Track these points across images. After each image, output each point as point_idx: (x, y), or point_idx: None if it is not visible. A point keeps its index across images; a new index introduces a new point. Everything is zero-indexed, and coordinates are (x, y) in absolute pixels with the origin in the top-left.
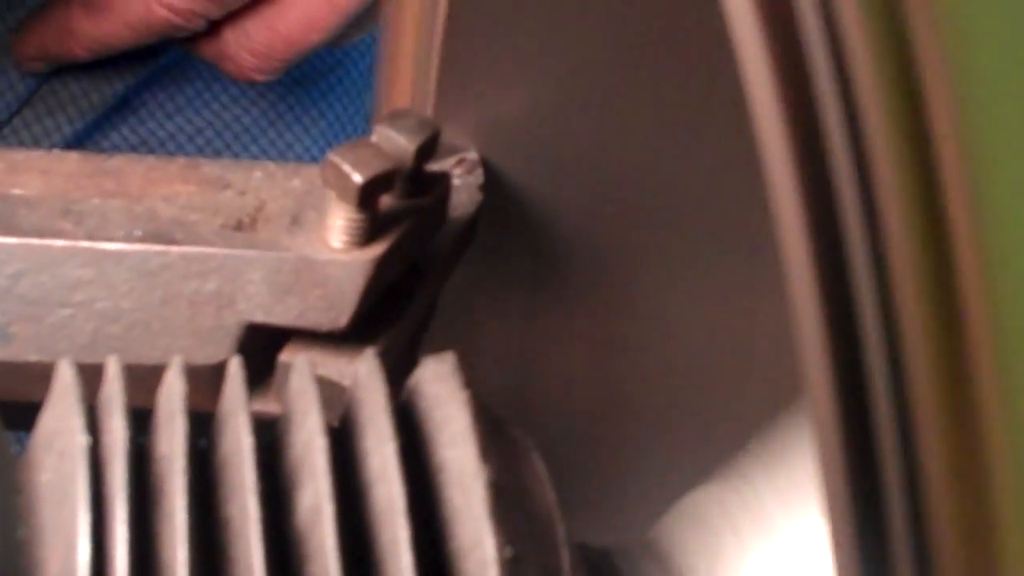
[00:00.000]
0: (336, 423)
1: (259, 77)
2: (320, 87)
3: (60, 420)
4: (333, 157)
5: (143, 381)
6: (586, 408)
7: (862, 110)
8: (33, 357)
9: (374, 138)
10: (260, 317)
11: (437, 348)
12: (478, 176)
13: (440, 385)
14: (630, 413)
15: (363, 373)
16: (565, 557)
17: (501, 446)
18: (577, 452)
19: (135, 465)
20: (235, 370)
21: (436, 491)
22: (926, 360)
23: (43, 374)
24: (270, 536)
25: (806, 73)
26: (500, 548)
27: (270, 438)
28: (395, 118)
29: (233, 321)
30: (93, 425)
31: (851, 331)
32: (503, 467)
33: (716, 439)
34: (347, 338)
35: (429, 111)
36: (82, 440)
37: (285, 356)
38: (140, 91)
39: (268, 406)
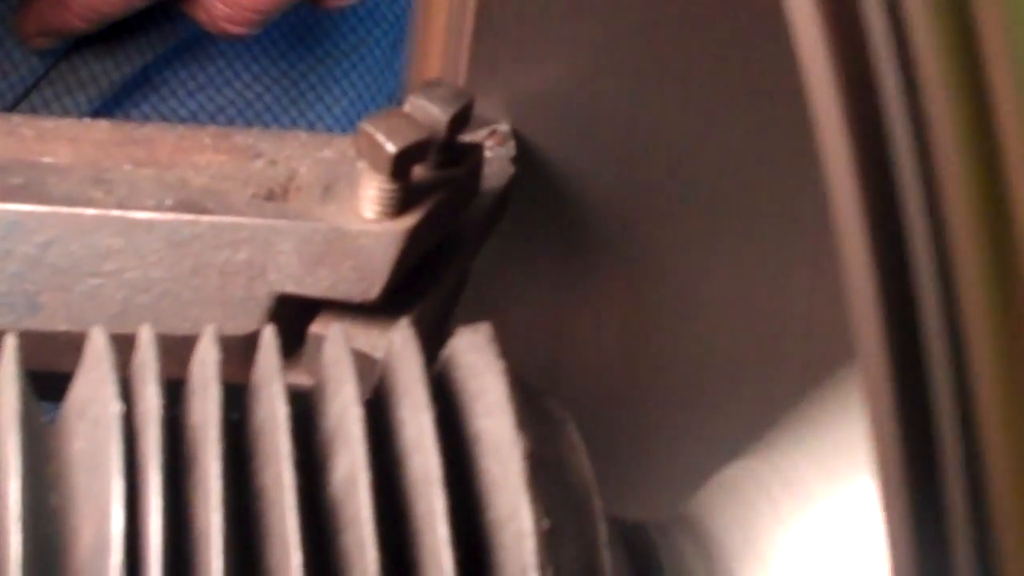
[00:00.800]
0: (369, 395)
1: (232, 28)
2: (343, 66)
3: (93, 388)
4: (366, 126)
5: (173, 352)
6: (616, 381)
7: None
8: (62, 327)
9: (407, 107)
10: (291, 288)
11: (468, 321)
12: (510, 148)
13: (475, 355)
14: (660, 386)
15: (397, 343)
16: (602, 530)
17: (537, 417)
18: (607, 425)
19: (168, 433)
20: (269, 339)
21: (472, 461)
22: (985, 329)
23: (72, 344)
24: (305, 505)
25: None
26: (537, 520)
27: (303, 408)
28: (428, 88)
29: (264, 292)
30: (126, 393)
31: (907, 298)
32: (540, 438)
33: (746, 412)
34: (378, 310)
35: (460, 83)
36: (116, 408)
37: (316, 328)
38: (161, 69)
39: (298, 378)
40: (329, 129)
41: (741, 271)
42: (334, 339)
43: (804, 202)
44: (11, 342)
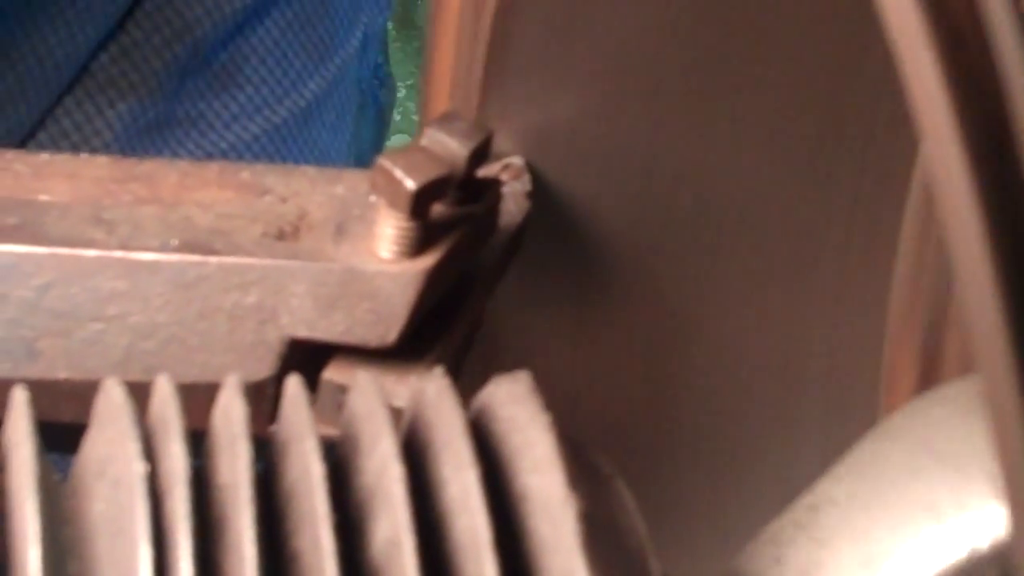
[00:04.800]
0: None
1: None
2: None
3: (112, 445)
4: (384, 162)
5: (180, 400)
6: (639, 423)
7: None
8: (62, 375)
9: (424, 141)
10: (304, 332)
11: (482, 362)
12: (525, 182)
13: (516, 407)
14: (686, 428)
15: (432, 393)
16: None
17: (586, 473)
18: (630, 472)
19: (195, 494)
20: (296, 391)
21: (519, 521)
22: None
23: (72, 392)
24: (344, 571)
25: None
26: None
27: (332, 463)
28: (445, 121)
29: (275, 336)
30: (148, 450)
31: None
32: (591, 496)
33: (768, 455)
34: (392, 354)
35: (472, 115)
36: (139, 467)
37: (329, 374)
38: (196, 102)
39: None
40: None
41: (763, 305)
42: (365, 389)
43: (826, 230)
44: (22, 396)
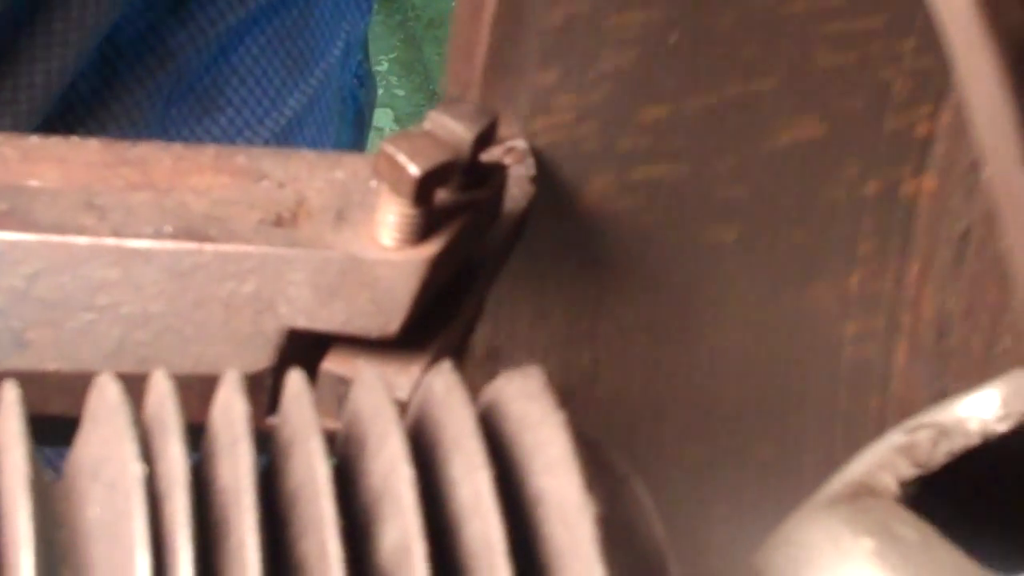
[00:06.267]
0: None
1: None
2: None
3: (107, 445)
4: (387, 147)
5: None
6: (643, 410)
7: None
8: (51, 366)
9: (427, 125)
10: (302, 322)
11: (481, 351)
12: (529, 166)
13: (529, 404)
14: (692, 418)
15: (439, 389)
16: None
17: (603, 474)
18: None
19: (195, 497)
20: (298, 387)
21: (534, 526)
22: None
23: (62, 385)
24: None
25: None
26: None
27: (336, 462)
28: (449, 105)
29: (273, 327)
30: (145, 450)
31: None
32: (607, 498)
33: (770, 452)
34: (393, 344)
35: (474, 98)
36: (136, 470)
37: (329, 364)
38: (180, 127)
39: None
40: None
41: (768, 303)
42: (371, 386)
43: (832, 215)
44: (12, 394)
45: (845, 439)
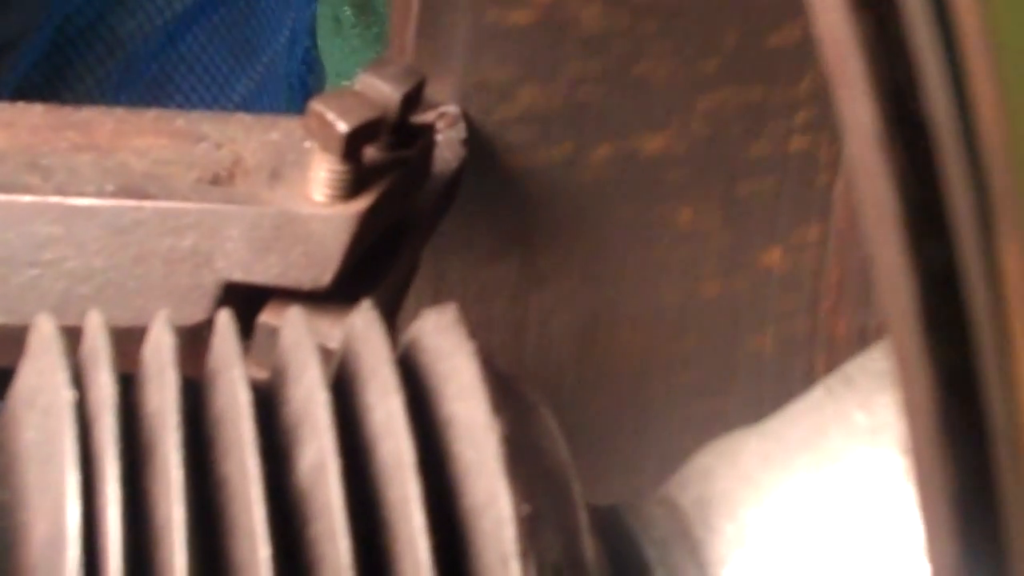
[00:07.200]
0: (330, 380)
1: None
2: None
3: (42, 375)
4: (316, 105)
5: (117, 343)
6: (576, 360)
7: None
8: None
9: (357, 86)
10: (239, 275)
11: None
12: (460, 130)
13: (443, 337)
14: (622, 365)
15: (359, 325)
16: (583, 516)
17: (510, 400)
18: (570, 408)
19: (124, 421)
20: (225, 323)
21: (444, 446)
22: None
23: (9, 337)
24: (271, 495)
25: None
26: (517, 505)
27: (262, 396)
28: (378, 66)
29: (211, 280)
30: (77, 380)
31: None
32: (515, 421)
33: (704, 393)
34: (328, 298)
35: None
36: (68, 395)
37: (265, 317)
38: None
39: (248, 369)
40: None
41: (700, 259)
42: (293, 321)
43: (755, 190)
44: None
45: (774, 391)
